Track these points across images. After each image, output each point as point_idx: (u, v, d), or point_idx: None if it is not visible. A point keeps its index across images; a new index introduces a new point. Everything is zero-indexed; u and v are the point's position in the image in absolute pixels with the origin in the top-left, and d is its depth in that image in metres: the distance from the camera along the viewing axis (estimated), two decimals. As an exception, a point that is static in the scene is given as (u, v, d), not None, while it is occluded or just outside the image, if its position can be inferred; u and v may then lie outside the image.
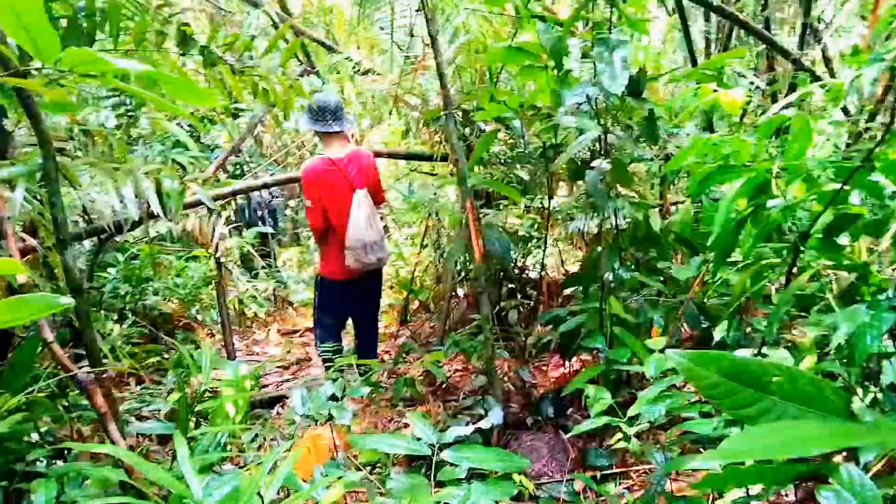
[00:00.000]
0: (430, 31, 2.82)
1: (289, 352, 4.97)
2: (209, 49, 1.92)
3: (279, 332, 5.59)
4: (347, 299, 3.73)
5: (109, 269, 4.36)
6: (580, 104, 2.76)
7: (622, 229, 2.89)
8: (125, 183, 2.02)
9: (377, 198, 3.70)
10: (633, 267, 3.00)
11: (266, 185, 4.73)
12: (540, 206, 3.71)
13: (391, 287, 6.15)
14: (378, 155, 4.46)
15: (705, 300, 2.82)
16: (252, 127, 6.32)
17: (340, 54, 4.37)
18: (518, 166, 3.71)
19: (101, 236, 3.77)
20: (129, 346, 4.09)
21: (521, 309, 4.22)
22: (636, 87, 2.35)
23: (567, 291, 3.94)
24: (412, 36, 3.93)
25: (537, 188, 3.48)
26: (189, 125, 6.37)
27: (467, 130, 3.82)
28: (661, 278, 3.09)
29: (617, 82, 2.14)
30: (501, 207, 4.04)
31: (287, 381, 4.33)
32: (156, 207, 2.58)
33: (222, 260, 4.00)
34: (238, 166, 6.87)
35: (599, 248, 2.59)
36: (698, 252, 2.92)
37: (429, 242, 5.59)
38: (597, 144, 2.78)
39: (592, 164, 2.42)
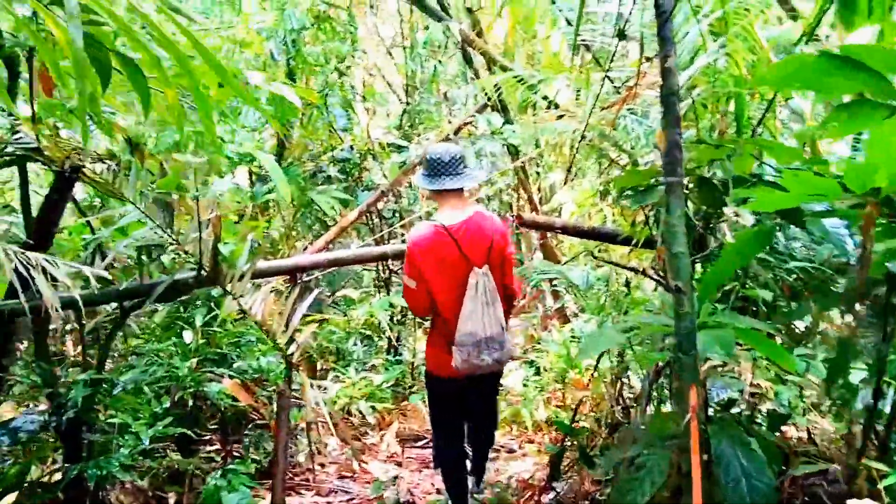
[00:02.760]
0: (662, 33, 1.27)
1: (396, 479, 3.59)
2: None
3: (397, 438, 4.25)
4: (461, 397, 2.92)
5: (185, 334, 3.38)
6: None
7: None
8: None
9: (505, 282, 2.81)
10: None
11: (385, 257, 3.46)
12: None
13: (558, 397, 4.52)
14: (535, 226, 3.01)
15: None
16: (412, 167, 5.21)
17: (511, 71, 2.97)
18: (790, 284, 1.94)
19: (125, 304, 2.77)
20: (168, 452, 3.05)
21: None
22: None
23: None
24: (623, 38, 2.24)
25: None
26: (342, 159, 5.46)
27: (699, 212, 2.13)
28: None
29: None
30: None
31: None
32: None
33: (294, 358, 2.76)
34: (395, 213, 5.81)
35: None
36: None
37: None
38: None
39: None
